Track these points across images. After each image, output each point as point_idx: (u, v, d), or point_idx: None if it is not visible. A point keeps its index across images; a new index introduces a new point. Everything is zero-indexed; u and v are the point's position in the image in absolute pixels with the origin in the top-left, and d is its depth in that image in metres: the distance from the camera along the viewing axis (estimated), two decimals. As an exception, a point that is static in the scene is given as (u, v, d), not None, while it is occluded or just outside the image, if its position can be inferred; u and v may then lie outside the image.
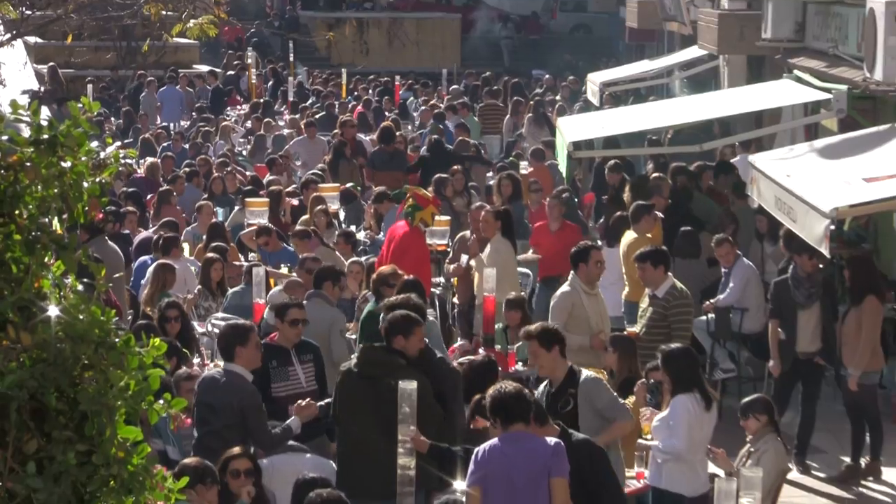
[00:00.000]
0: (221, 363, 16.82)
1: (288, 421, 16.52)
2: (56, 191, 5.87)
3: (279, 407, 16.86)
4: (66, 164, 5.89)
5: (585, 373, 15.75)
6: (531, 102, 45.57)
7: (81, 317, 5.70)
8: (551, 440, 14.36)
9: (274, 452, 16.32)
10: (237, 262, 24.03)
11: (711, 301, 23.34)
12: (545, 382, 15.83)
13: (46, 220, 5.92)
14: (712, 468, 16.76)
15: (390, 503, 14.02)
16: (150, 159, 35.02)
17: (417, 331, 15.84)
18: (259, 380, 16.79)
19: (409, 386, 14.22)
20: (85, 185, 5.92)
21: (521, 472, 14.06)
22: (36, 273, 5.81)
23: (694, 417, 15.96)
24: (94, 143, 6.05)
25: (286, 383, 17.26)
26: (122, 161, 7.06)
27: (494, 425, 14.21)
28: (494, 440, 14.20)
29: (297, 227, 24.91)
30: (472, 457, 14.20)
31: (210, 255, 23.21)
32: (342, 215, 28.78)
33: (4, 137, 5.92)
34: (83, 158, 5.91)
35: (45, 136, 5.89)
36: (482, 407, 14.76)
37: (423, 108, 47.61)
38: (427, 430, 15.36)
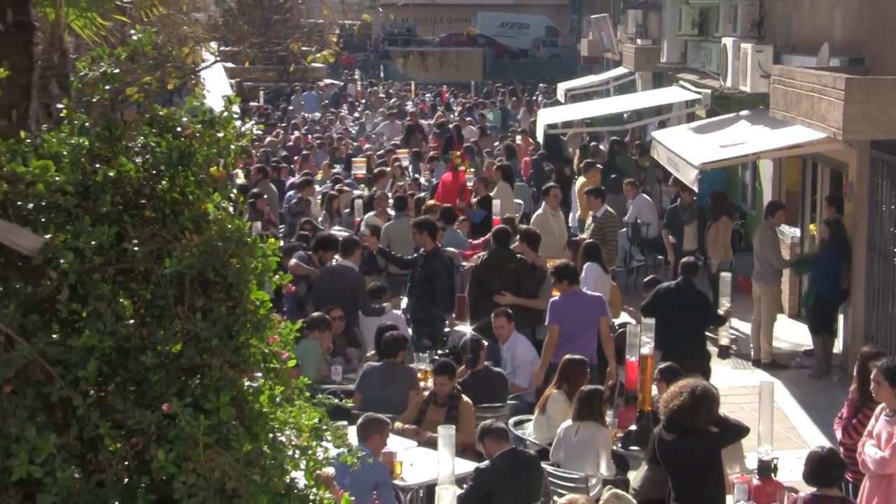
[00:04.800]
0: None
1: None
2: (214, 150, 5.84)
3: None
4: (220, 134, 5.85)
5: None
6: (524, 99, 45.89)
7: (230, 226, 5.67)
8: (595, 294, 15.36)
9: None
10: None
11: (625, 218, 23.51)
12: None
13: (209, 168, 5.90)
14: (628, 318, 16.76)
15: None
16: (296, 134, 35.24)
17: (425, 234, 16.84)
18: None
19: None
20: (232, 147, 5.89)
21: (586, 315, 14.79)
22: (202, 199, 5.78)
23: (595, 274, 16.47)
24: (238, 122, 6.02)
25: None
26: (255, 133, 7.05)
27: (561, 285, 14.98)
28: (561, 296, 14.94)
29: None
30: (549, 307, 14.94)
31: (332, 192, 23.34)
32: (410, 168, 28.97)
33: (185, 119, 5.89)
34: (231, 131, 5.87)
35: (208, 118, 5.86)
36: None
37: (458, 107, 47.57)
38: None
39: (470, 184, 24.65)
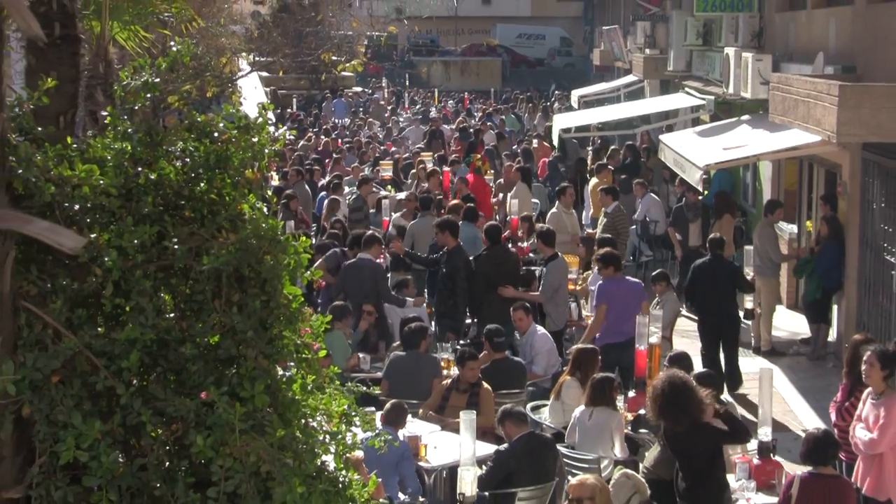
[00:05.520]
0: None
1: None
2: (249, 154, 5.78)
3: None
4: (255, 139, 5.79)
5: None
6: (540, 105, 45.67)
7: (264, 225, 5.62)
8: (636, 280, 15.79)
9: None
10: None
11: (635, 216, 23.39)
12: None
13: (245, 171, 5.84)
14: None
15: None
16: (325, 139, 35.12)
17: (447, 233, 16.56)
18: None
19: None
20: (266, 151, 5.82)
21: (632, 297, 14.93)
22: (238, 200, 5.72)
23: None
24: (272, 128, 5.96)
25: None
26: (288, 138, 6.98)
27: (607, 271, 15.18)
28: (606, 280, 15.17)
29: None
30: (597, 289, 15.25)
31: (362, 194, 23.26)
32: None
33: (221, 125, 5.83)
34: (265, 136, 5.82)
35: (243, 124, 5.80)
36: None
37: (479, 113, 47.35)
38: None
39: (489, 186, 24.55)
